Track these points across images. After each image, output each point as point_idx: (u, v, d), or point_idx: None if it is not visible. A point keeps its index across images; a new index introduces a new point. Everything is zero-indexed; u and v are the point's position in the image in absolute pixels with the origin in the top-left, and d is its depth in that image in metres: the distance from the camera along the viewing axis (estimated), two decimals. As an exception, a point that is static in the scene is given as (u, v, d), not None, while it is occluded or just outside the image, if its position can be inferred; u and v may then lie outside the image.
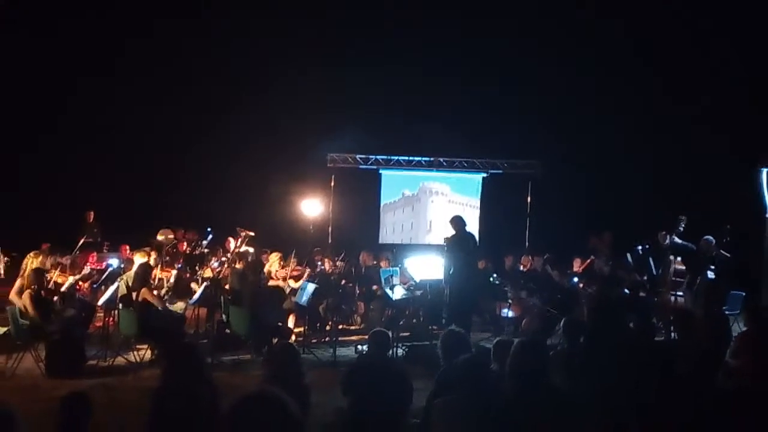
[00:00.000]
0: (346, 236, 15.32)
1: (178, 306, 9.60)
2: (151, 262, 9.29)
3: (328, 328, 10.20)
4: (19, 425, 2.61)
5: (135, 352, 8.43)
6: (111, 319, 9.03)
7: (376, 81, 14.84)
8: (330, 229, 16.20)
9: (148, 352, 8.45)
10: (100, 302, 9.01)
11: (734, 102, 13.65)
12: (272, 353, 4.74)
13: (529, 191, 16.71)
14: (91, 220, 13.31)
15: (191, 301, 9.66)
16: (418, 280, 10.12)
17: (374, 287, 10.81)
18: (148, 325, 8.17)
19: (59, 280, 9.01)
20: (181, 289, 10.34)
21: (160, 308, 8.47)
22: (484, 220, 16.78)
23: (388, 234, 17.02)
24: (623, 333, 4.83)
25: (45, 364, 7.62)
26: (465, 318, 8.76)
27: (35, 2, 13.89)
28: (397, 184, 17.15)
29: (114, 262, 10.49)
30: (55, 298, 8.53)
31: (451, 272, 9.18)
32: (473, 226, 15.97)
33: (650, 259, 10.72)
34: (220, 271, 10.50)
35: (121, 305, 8.66)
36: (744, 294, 10.17)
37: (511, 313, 10.76)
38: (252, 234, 11.39)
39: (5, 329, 8.13)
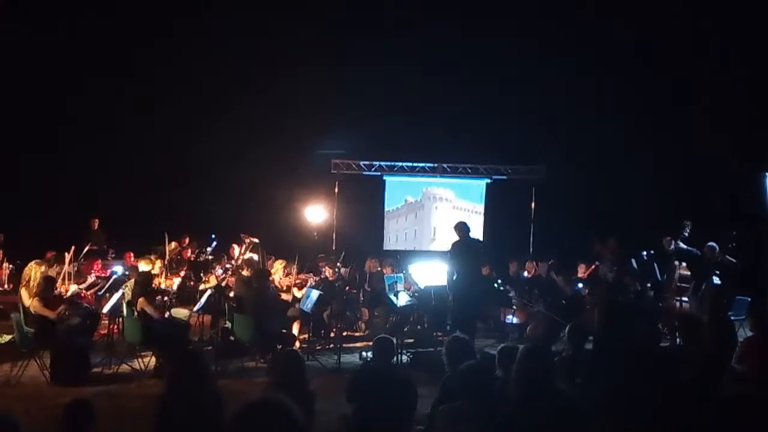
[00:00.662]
0: (351, 243, 15.31)
1: (183, 313, 9.60)
2: (156, 270, 9.31)
3: (332, 334, 10.19)
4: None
5: (139, 360, 8.43)
6: (115, 326, 9.04)
7: (381, 88, 14.85)
8: (334, 235, 16.21)
9: (153, 359, 8.45)
10: (105, 310, 9.01)
11: (740, 106, 13.62)
12: (277, 360, 4.74)
13: (533, 197, 16.69)
14: (96, 228, 13.34)
15: (195, 308, 9.66)
16: (422, 287, 10.11)
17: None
18: (153, 333, 8.17)
19: (64, 288, 9.04)
20: (185, 296, 10.36)
21: (156, 318, 8.43)
22: (488, 226, 16.76)
23: (392, 241, 17.02)
24: (630, 339, 4.81)
25: (50, 372, 7.63)
26: (469, 324, 8.73)
27: (37, 3, 13.91)
28: (400, 190, 17.15)
29: (118, 269, 10.52)
30: (61, 305, 8.54)
31: (454, 278, 9.16)
32: (477, 233, 16.00)
33: (655, 265, 10.69)
34: (224, 278, 10.50)
35: (125, 313, 8.67)
36: (749, 299, 10.12)
37: (515, 320, 10.75)
38: (256, 241, 11.39)
39: (10, 337, 8.15)
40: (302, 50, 14.50)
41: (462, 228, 9.32)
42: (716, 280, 9.86)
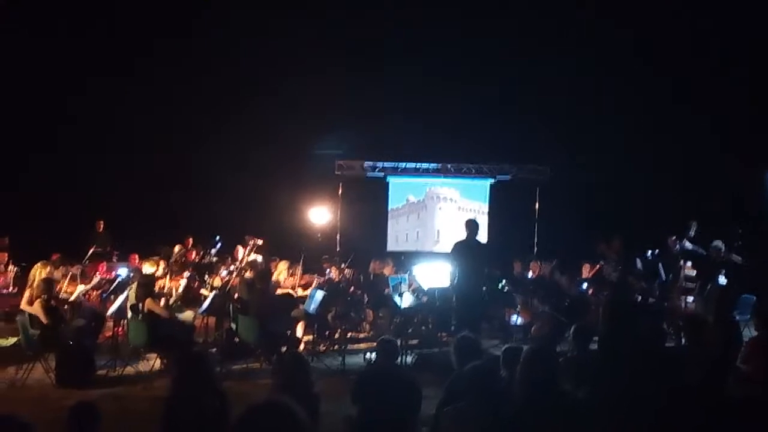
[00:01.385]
0: (355, 244, 15.32)
1: (187, 315, 9.60)
2: (160, 272, 9.32)
3: (336, 336, 10.19)
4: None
5: (144, 362, 8.45)
6: (120, 328, 9.05)
7: (384, 89, 14.86)
8: (338, 237, 16.22)
9: (158, 361, 8.46)
10: (110, 312, 9.02)
11: (742, 104, 13.61)
12: (281, 362, 4.74)
13: (537, 197, 16.68)
14: (101, 230, 13.36)
15: (200, 310, 9.66)
16: (425, 288, 10.10)
17: (385, 290, 10.79)
18: (158, 335, 8.18)
19: (69, 290, 9.05)
20: (190, 298, 10.36)
21: (164, 317, 8.44)
22: (493, 226, 16.76)
23: (395, 242, 17.00)
24: (635, 339, 4.81)
25: (55, 374, 7.64)
26: (474, 325, 8.73)
27: (38, 4, 13.94)
28: (404, 191, 17.14)
29: (123, 271, 10.52)
30: (65, 307, 8.55)
31: (456, 279, 9.17)
32: (482, 233, 15.96)
33: (660, 265, 10.67)
34: (228, 280, 10.50)
35: (130, 315, 8.67)
36: (755, 298, 10.09)
37: (520, 320, 10.73)
38: (260, 242, 11.40)
39: (15, 339, 8.16)
40: (305, 52, 14.51)
41: (471, 227, 9.30)
42: (722, 280, 9.84)
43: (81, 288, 9.23)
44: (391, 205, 17.10)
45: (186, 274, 10.64)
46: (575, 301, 10.34)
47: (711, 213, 11.32)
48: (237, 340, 9.06)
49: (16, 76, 13.44)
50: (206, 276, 11.06)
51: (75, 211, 13.58)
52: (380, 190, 16.95)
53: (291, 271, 10.98)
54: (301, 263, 11.03)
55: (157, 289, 9.06)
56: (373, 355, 7.92)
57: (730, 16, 13.25)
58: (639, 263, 10.82)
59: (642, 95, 14.71)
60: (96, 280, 9.96)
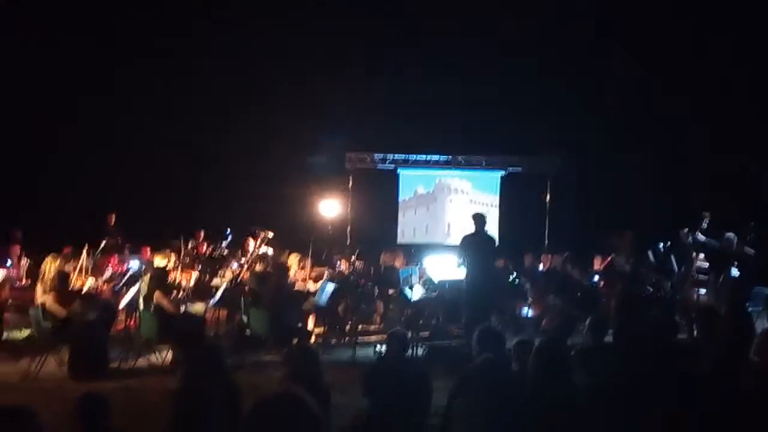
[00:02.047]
0: (365, 236, 15.34)
1: (199, 308, 9.64)
2: (171, 265, 9.35)
3: (347, 328, 10.21)
4: (41, 427, 2.64)
5: (157, 354, 8.49)
6: (132, 321, 9.09)
7: (394, 80, 14.83)
8: (349, 229, 16.22)
9: (170, 353, 8.50)
10: (122, 304, 9.07)
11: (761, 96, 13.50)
12: (291, 354, 4.75)
13: (548, 189, 16.61)
14: (113, 223, 13.42)
15: (211, 303, 9.69)
16: (436, 281, 10.09)
17: (390, 292, 10.79)
18: (169, 327, 8.21)
19: (80, 282, 9.10)
20: (201, 291, 10.40)
21: (171, 311, 8.45)
22: (503, 218, 16.71)
23: (404, 235, 16.94)
24: (648, 331, 4.78)
25: (68, 367, 7.69)
26: (484, 318, 8.72)
27: (44, 3, 14.01)
28: (414, 183, 17.10)
29: (135, 264, 10.56)
30: (77, 300, 8.60)
31: (466, 272, 9.16)
32: (492, 225, 15.91)
33: (672, 257, 10.62)
34: (239, 273, 10.53)
35: (142, 307, 8.72)
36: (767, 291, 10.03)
37: (531, 313, 10.71)
38: (271, 235, 11.42)
39: (29, 332, 8.21)
40: (314, 45, 14.51)
41: (479, 220, 9.29)
42: (735, 271, 9.78)
43: (91, 281, 9.27)
44: (402, 197, 17.06)
45: (197, 267, 10.69)
46: (587, 294, 10.31)
47: (725, 205, 11.22)
48: (248, 332, 9.09)
49: (25, 66, 13.50)
50: (217, 269, 11.10)
51: (87, 204, 13.63)
52: (391, 182, 16.93)
53: (301, 264, 11.00)
54: (310, 256, 11.03)
55: (168, 282, 9.10)
56: (384, 347, 7.92)
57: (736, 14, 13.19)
58: (651, 255, 10.78)
59: (655, 85, 14.61)
60: (108, 273, 10.00)
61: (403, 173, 16.97)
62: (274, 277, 9.11)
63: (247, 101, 15.05)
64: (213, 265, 11.25)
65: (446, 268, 10.04)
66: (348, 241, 15.60)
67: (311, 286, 10.38)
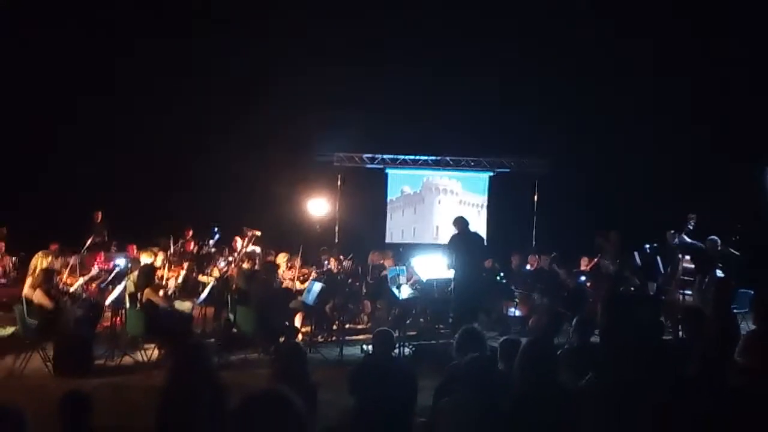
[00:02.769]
0: (353, 236, 15.33)
1: (186, 305, 9.61)
2: (158, 263, 9.31)
3: (334, 327, 10.21)
4: (26, 425, 2.63)
5: (142, 352, 8.46)
6: (118, 318, 9.05)
7: (383, 80, 14.82)
8: (337, 228, 16.21)
9: (156, 351, 8.47)
10: (108, 302, 9.02)
11: (742, 99, 13.59)
12: (279, 353, 4.75)
13: (536, 190, 16.67)
14: (99, 221, 13.34)
15: (198, 301, 9.67)
16: (424, 280, 10.11)
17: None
18: (156, 325, 8.19)
19: (69, 281, 9.05)
20: (188, 289, 10.37)
21: (162, 306, 8.44)
22: (491, 218, 16.75)
23: (392, 236, 16.90)
24: (632, 332, 4.81)
25: (53, 364, 7.65)
26: (471, 317, 8.74)
27: (44, 2, 13.92)
28: (402, 183, 17.09)
29: (121, 262, 10.51)
30: (65, 298, 8.55)
31: (454, 271, 9.18)
32: (481, 225, 15.94)
33: (658, 258, 10.68)
34: (227, 271, 10.51)
35: (128, 305, 8.68)
36: (752, 292, 10.10)
37: (518, 312, 10.75)
38: (258, 233, 11.41)
39: (13, 329, 8.15)
40: (304, 44, 14.47)
41: (461, 222, 9.37)
42: (719, 273, 9.85)
43: (81, 280, 9.23)
44: (390, 197, 17.06)
45: (185, 264, 10.66)
46: (573, 293, 10.37)
47: (710, 207, 11.29)
48: (235, 330, 9.08)
49: (15, 65, 13.39)
50: (205, 266, 11.08)
51: (73, 202, 13.54)
52: (379, 181, 16.93)
53: (290, 264, 10.99)
54: (299, 255, 11.02)
55: (156, 279, 9.07)
56: (370, 346, 7.93)
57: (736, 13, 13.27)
58: (637, 257, 10.84)
59: (642, 89, 14.68)
60: (94, 270, 9.95)
61: (392, 173, 16.97)
62: (262, 275, 9.10)
63: (235, 101, 14.98)
64: (200, 262, 11.23)
65: (434, 267, 10.05)
66: (336, 240, 15.58)
67: (299, 286, 10.38)
